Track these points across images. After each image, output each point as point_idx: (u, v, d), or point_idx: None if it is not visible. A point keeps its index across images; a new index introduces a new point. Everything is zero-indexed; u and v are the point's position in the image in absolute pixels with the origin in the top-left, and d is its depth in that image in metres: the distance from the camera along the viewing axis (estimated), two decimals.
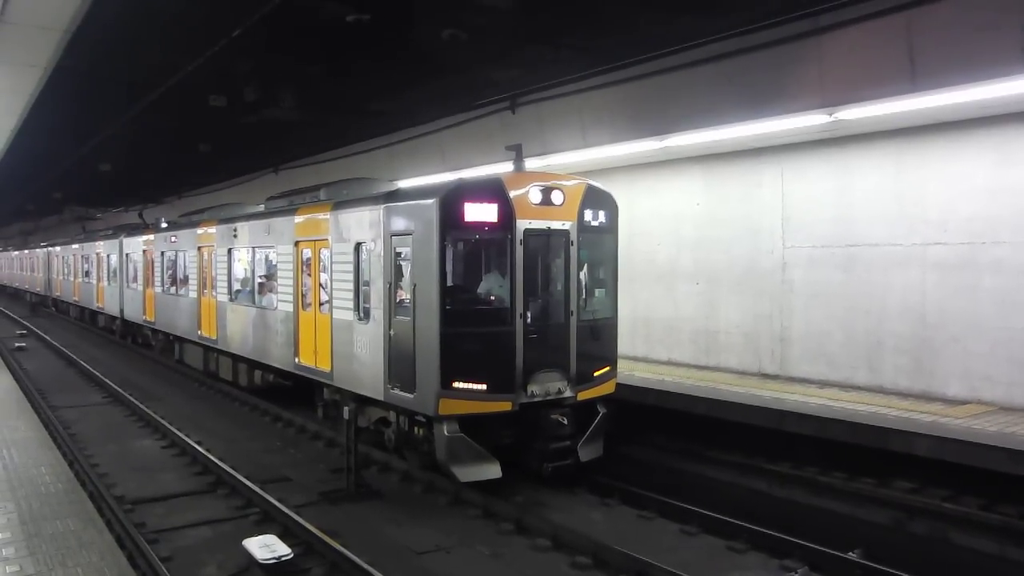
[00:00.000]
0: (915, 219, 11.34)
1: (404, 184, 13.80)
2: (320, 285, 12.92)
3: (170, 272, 21.18)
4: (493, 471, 9.90)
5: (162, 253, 21.69)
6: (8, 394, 13.59)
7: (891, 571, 7.71)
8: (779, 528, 8.75)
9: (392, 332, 10.50)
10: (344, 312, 11.77)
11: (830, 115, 10.33)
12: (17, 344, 26.33)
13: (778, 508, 10.04)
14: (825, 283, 12.47)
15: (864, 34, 9.69)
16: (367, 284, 11.23)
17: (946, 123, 10.70)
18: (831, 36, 10.05)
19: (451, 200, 9.81)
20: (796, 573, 7.70)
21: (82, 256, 32.44)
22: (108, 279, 27.94)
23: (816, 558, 8.13)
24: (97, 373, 19.85)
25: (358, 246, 11.43)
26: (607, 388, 11.01)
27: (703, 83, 11.60)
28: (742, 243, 13.73)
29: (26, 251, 50.37)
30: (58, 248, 38.27)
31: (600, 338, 10.94)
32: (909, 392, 11.33)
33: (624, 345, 12.30)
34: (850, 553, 8.10)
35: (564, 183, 10.58)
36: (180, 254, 20.34)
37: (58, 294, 39.01)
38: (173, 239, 20.84)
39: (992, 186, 10.53)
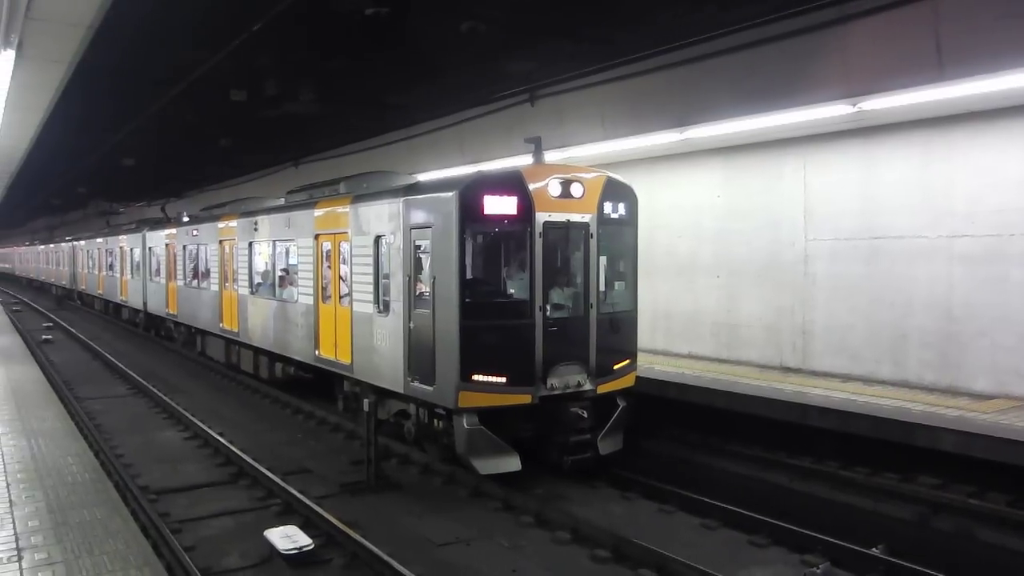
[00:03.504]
0: (941, 211, 11.19)
1: (423, 177, 13.80)
2: (340, 278, 12.97)
3: (192, 265, 21.36)
4: (513, 464, 9.91)
5: (184, 247, 21.88)
6: (36, 386, 13.77)
7: (915, 567, 7.62)
8: (800, 523, 8.68)
9: (412, 325, 10.52)
10: (364, 305, 11.81)
11: (854, 105, 10.20)
12: (44, 337, 26.66)
13: (799, 503, 9.97)
14: (848, 276, 12.34)
15: (889, 23, 9.55)
16: (387, 277, 11.25)
17: (974, 113, 10.54)
18: (855, 25, 9.92)
19: (470, 193, 9.79)
20: (818, 568, 7.62)
21: (106, 250, 32.79)
22: (132, 273, 28.23)
23: (838, 553, 8.04)
24: (121, 365, 20.07)
25: (378, 239, 11.45)
26: (627, 381, 10.96)
27: (724, 74, 11.50)
28: (763, 236, 13.61)
29: (52, 245, 50.98)
30: (83, 242, 38.70)
31: (620, 331, 10.89)
32: (935, 387, 11.20)
33: (644, 338, 12.26)
34: (873, 548, 8.01)
35: (584, 175, 10.54)
36: (202, 248, 20.50)
37: (83, 287, 39.46)
38: (195, 233, 21.01)
39: (1021, 177, 10.35)
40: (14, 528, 6.70)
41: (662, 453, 11.84)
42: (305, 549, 8.01)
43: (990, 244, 10.68)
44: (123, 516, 7.17)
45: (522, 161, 11.53)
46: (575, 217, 10.36)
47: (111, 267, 31.96)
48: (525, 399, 9.90)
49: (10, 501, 7.41)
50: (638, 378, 11.29)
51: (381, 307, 11.40)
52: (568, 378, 10.18)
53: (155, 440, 13.18)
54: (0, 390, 12.99)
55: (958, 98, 9.57)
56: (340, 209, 12.74)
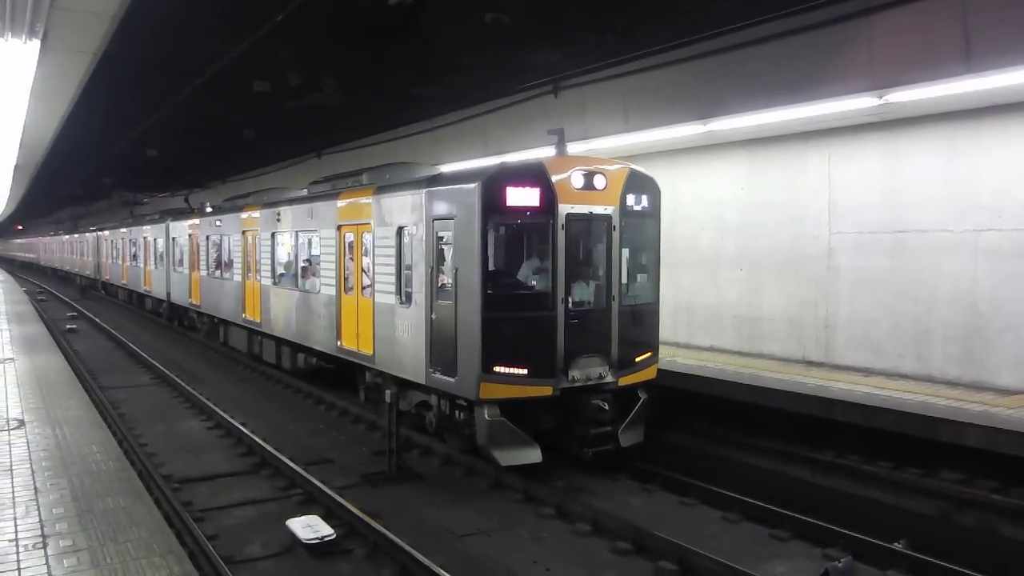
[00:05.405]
0: (967, 204, 11.04)
1: (446, 169, 13.80)
2: (362, 269, 13.01)
3: (215, 256, 21.50)
4: (533, 455, 9.92)
5: (207, 237, 22.03)
6: (60, 374, 13.93)
7: (938, 562, 7.57)
8: (822, 517, 8.64)
9: (434, 316, 10.55)
10: (386, 296, 11.85)
11: (879, 98, 10.08)
12: (68, 326, 26.98)
13: (821, 497, 9.91)
14: (872, 269, 12.23)
15: (916, 14, 9.42)
16: (409, 268, 11.28)
17: (1001, 105, 10.38)
18: (881, 16, 9.79)
19: (493, 184, 9.78)
20: (840, 563, 7.58)
21: (130, 240, 33.09)
22: (155, 263, 28.49)
23: (860, 548, 8.01)
24: (145, 355, 20.27)
25: (400, 230, 11.48)
26: (648, 374, 10.94)
27: (748, 66, 11.39)
28: (786, 229, 13.51)
29: (76, 235, 51.51)
30: (107, 232, 39.05)
31: (642, 323, 10.86)
32: (959, 381, 11.08)
33: (666, 331, 12.21)
34: (895, 543, 7.97)
35: (606, 167, 10.50)
36: (225, 238, 20.63)
37: (107, 277, 39.85)
38: (218, 223, 21.14)
39: None
40: (39, 515, 6.77)
41: (683, 446, 11.81)
42: (327, 539, 8.08)
43: (1017, 238, 10.53)
44: (147, 505, 7.23)
45: (545, 153, 11.50)
46: (598, 209, 10.33)
47: (135, 257, 32.25)
48: (546, 391, 9.90)
49: (35, 488, 7.49)
50: (660, 371, 11.26)
51: (403, 298, 11.43)
52: (589, 370, 10.17)
53: (178, 429, 13.31)
54: (25, 379, 13.15)
55: (985, 90, 9.43)
56: (363, 200, 12.78)
